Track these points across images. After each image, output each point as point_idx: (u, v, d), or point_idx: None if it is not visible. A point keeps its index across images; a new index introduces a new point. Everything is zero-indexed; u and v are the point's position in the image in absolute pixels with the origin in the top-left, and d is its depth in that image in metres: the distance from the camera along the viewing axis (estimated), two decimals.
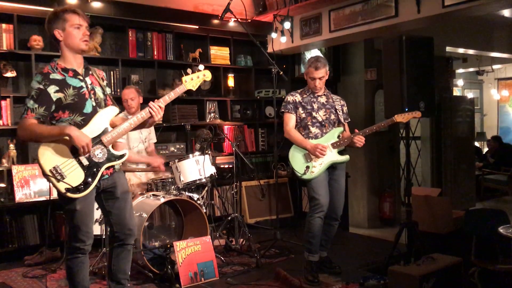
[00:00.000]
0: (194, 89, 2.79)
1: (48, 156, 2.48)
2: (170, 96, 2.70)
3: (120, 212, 2.77)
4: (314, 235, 3.57)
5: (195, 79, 2.74)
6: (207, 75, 2.79)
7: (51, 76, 2.53)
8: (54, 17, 2.58)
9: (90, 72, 2.70)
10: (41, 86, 2.48)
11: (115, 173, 2.75)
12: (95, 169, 2.57)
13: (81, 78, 2.62)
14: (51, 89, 2.50)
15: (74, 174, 2.51)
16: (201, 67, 2.79)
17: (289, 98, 3.72)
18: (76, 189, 2.50)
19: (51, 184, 2.51)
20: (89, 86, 2.64)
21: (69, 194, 2.48)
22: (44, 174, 2.49)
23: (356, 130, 3.60)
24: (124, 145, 3.88)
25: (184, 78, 2.72)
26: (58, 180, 2.46)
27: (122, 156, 2.69)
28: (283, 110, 3.73)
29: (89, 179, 2.55)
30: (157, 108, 2.64)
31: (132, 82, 5.04)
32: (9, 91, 4.47)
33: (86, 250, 2.67)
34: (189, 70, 2.77)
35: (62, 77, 2.55)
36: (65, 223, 4.19)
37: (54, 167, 2.47)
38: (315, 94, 3.71)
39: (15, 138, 4.43)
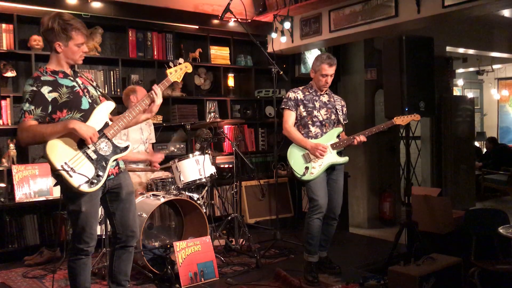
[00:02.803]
0: (179, 81, 3.02)
1: (57, 152, 2.47)
2: (160, 88, 2.81)
3: (124, 214, 2.77)
4: (313, 236, 3.56)
5: (178, 71, 2.94)
6: (188, 67, 3.00)
7: (42, 78, 2.52)
8: (58, 31, 2.53)
9: (79, 74, 2.73)
10: (34, 88, 2.47)
11: (120, 173, 2.75)
12: (103, 162, 2.59)
13: (72, 78, 2.64)
14: (45, 90, 2.49)
15: (84, 168, 2.51)
16: (181, 60, 3.00)
17: (291, 94, 3.66)
18: (90, 183, 2.51)
19: (63, 180, 2.48)
20: (81, 85, 2.66)
21: (81, 189, 2.47)
22: (55, 171, 2.47)
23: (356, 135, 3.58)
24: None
25: (169, 70, 2.91)
26: (71, 175, 2.46)
27: (126, 148, 2.71)
28: (283, 106, 3.66)
29: (100, 172, 2.56)
30: (157, 93, 2.75)
31: (132, 82, 5.04)
32: (9, 91, 4.47)
33: (90, 252, 2.67)
34: (171, 64, 2.95)
35: (53, 78, 2.56)
36: (65, 224, 4.19)
37: (65, 163, 2.47)
38: (317, 93, 3.67)
39: (15, 138, 4.43)
